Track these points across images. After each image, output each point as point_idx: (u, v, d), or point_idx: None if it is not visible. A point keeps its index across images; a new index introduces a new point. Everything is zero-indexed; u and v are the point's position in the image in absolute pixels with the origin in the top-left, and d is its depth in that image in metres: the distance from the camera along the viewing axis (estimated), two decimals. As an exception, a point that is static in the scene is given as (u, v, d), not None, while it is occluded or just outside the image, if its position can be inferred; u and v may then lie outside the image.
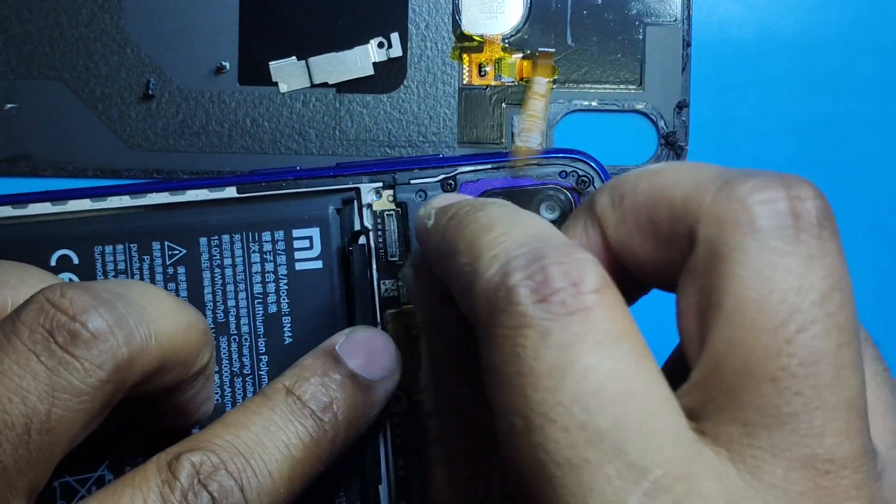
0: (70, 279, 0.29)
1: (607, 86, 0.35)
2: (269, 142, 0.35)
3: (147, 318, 0.23)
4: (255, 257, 0.30)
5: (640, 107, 0.35)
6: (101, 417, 0.23)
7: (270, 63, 0.34)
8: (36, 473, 0.21)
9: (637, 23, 0.34)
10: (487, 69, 0.34)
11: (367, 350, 0.27)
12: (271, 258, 0.30)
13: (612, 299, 0.19)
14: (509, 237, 0.20)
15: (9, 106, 0.34)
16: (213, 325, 0.30)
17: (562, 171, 0.31)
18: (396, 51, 0.34)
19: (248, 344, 0.30)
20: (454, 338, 0.24)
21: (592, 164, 0.31)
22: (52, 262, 0.30)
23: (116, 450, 0.29)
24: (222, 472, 0.22)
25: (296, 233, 0.30)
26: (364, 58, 0.34)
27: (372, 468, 0.30)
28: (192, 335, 0.24)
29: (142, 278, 0.30)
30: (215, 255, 0.30)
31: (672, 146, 0.35)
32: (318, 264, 0.30)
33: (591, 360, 0.18)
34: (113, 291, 0.23)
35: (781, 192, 0.19)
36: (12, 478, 0.21)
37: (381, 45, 0.34)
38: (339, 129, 0.35)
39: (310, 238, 0.30)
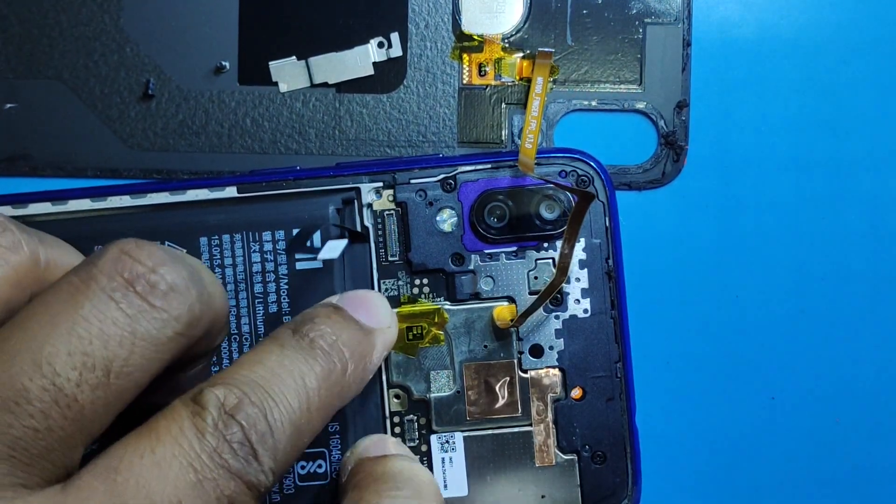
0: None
1: (607, 85, 0.35)
2: (269, 142, 0.34)
3: (204, 280, 0.24)
4: (256, 257, 0.30)
5: (639, 106, 0.35)
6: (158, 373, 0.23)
7: (270, 63, 0.34)
8: (107, 418, 0.22)
9: (637, 22, 0.34)
10: (487, 69, 0.34)
11: (365, 303, 0.28)
12: (272, 258, 0.30)
13: None
14: None
15: (8, 105, 0.34)
16: (213, 325, 0.30)
17: (562, 171, 0.31)
18: (396, 51, 0.34)
19: (248, 344, 0.30)
20: None
21: (592, 163, 0.31)
22: (52, 262, 0.30)
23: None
24: (246, 402, 0.23)
25: (296, 233, 0.30)
26: (364, 58, 0.34)
27: None
28: (227, 304, 0.25)
29: (142, 278, 0.30)
30: (216, 255, 0.30)
31: (672, 146, 0.35)
32: (319, 264, 0.30)
33: None
34: (177, 253, 0.23)
35: None
36: (87, 419, 0.21)
37: (380, 45, 0.34)
38: (338, 129, 0.35)
39: (311, 241, 0.30)
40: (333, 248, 0.30)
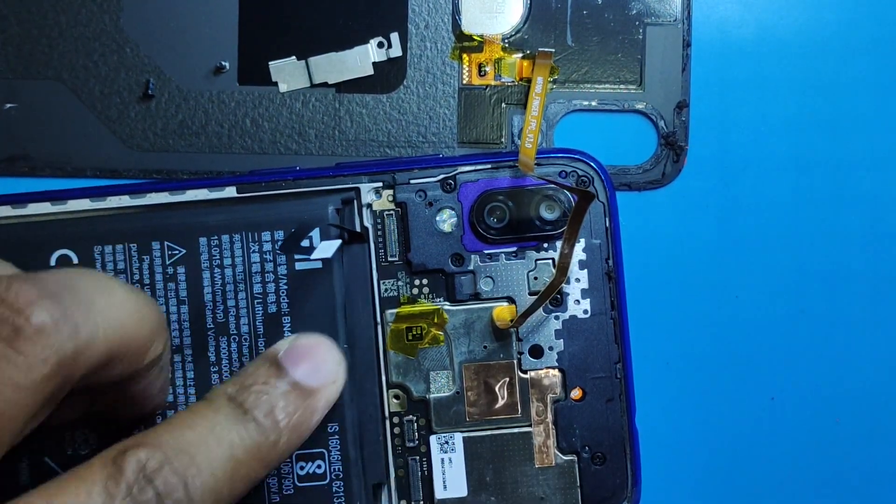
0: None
1: (607, 86, 0.35)
2: (269, 142, 0.34)
3: (95, 310, 0.23)
4: (255, 257, 0.30)
5: (639, 107, 0.35)
6: (47, 410, 0.23)
7: (270, 63, 0.34)
8: None
9: (637, 23, 0.34)
10: (487, 69, 0.34)
11: (310, 357, 0.27)
12: (271, 258, 0.30)
13: None
14: None
15: (8, 106, 0.34)
16: (212, 325, 0.30)
17: (562, 171, 0.31)
18: (396, 51, 0.34)
19: (247, 344, 0.30)
20: None
21: (592, 164, 0.31)
22: (52, 262, 0.30)
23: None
24: (167, 468, 0.22)
25: (292, 231, 0.30)
26: (364, 58, 0.34)
27: (376, 470, 0.30)
28: (144, 326, 0.24)
29: (141, 278, 0.30)
30: (215, 255, 0.30)
31: (672, 146, 0.35)
32: (318, 264, 0.30)
33: None
34: (61, 283, 0.22)
35: None
36: None
37: (380, 45, 0.34)
38: (338, 130, 0.35)
39: (309, 238, 0.30)
40: (327, 248, 0.30)
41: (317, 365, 0.27)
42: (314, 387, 0.27)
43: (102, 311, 0.23)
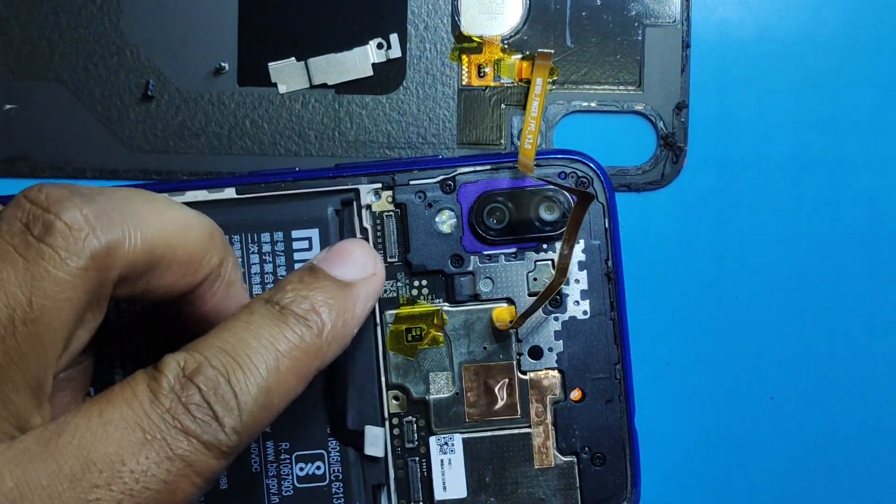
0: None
1: (606, 87, 0.35)
2: (269, 143, 0.35)
3: (130, 212, 0.23)
4: (255, 258, 0.30)
5: (639, 108, 0.35)
6: (96, 313, 0.23)
7: (269, 64, 0.34)
8: (30, 366, 0.22)
9: (636, 24, 0.34)
10: (486, 70, 0.34)
11: (345, 255, 0.27)
12: (270, 259, 0.30)
13: None
14: None
15: (8, 107, 0.34)
16: (212, 327, 0.30)
17: (561, 172, 0.31)
18: (395, 52, 0.34)
19: (247, 345, 0.30)
20: None
21: (592, 164, 0.31)
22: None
23: None
24: (206, 365, 0.23)
25: (295, 234, 0.30)
26: (363, 59, 0.34)
27: (375, 471, 0.30)
28: (191, 234, 0.25)
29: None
30: (214, 257, 0.30)
31: (671, 147, 0.35)
32: (317, 265, 0.30)
33: None
34: (97, 189, 0.23)
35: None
36: (4, 369, 0.21)
37: (380, 46, 0.34)
38: (338, 131, 0.35)
39: (309, 239, 0.30)
40: (376, 439, 0.30)
41: (350, 261, 0.27)
42: (351, 280, 0.26)
43: (140, 213, 0.23)
